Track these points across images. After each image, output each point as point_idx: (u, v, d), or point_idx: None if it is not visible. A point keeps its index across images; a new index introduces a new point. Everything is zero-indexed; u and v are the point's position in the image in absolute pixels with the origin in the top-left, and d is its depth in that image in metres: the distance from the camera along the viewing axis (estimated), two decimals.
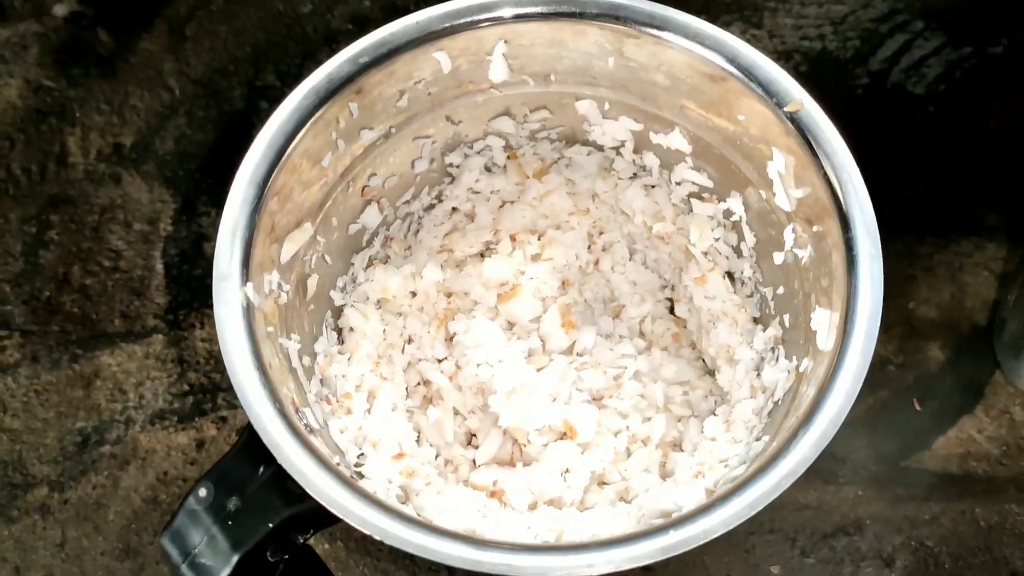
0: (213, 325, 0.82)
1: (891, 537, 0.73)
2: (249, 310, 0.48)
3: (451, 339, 0.64)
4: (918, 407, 0.77)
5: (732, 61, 0.53)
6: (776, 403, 0.54)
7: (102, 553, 0.75)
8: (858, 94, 0.90)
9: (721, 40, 0.53)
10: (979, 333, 0.80)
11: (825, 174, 0.50)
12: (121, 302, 0.83)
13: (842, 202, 0.49)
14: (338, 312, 0.61)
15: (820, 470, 0.76)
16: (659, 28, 0.54)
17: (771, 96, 0.52)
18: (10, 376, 0.80)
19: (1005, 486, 0.75)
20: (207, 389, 0.80)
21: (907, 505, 0.74)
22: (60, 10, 0.95)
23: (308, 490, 0.43)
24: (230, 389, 0.80)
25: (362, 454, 0.55)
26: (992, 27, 0.91)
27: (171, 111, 0.91)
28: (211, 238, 0.86)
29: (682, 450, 0.61)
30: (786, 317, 0.57)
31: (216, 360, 0.81)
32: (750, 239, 0.61)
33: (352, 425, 0.56)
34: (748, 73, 0.52)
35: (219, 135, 0.90)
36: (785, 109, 0.51)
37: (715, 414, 0.60)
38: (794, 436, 0.44)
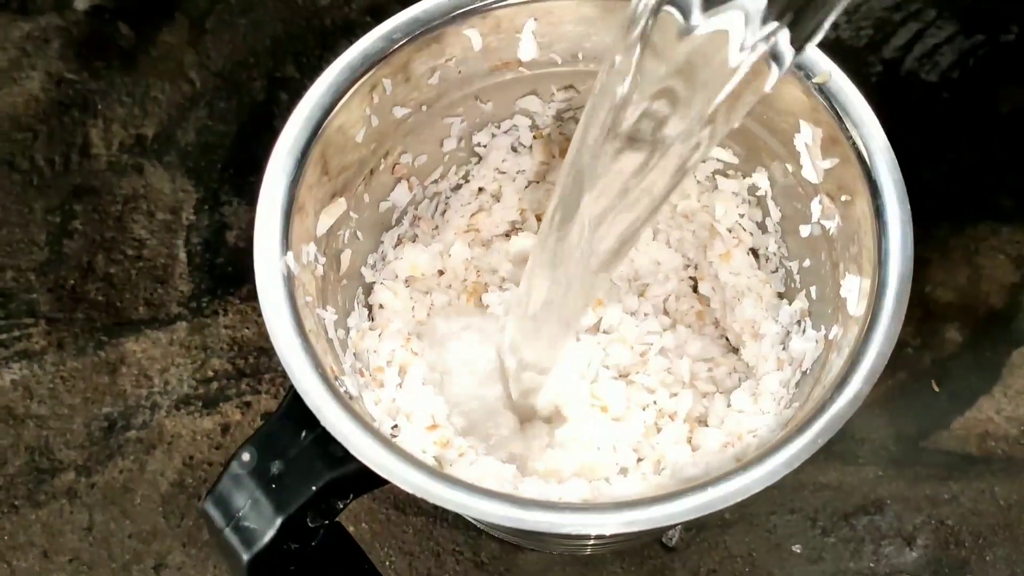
0: (236, 312, 0.84)
1: (911, 516, 0.74)
2: (289, 279, 0.48)
3: None
4: (936, 388, 0.78)
5: None
6: (804, 373, 0.55)
7: (129, 536, 0.75)
8: (872, 82, 0.91)
9: None
10: (995, 315, 0.81)
11: (854, 143, 0.51)
12: (145, 290, 0.84)
13: (871, 169, 0.50)
14: (368, 288, 0.62)
15: (840, 451, 0.76)
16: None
17: (799, 68, 0.53)
18: (36, 363, 0.81)
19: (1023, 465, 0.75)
20: (231, 375, 0.81)
21: (927, 485, 0.75)
22: (81, 4, 0.96)
23: (351, 451, 0.44)
24: (254, 375, 0.82)
25: (396, 425, 0.55)
26: (1004, 15, 0.92)
27: (192, 103, 0.92)
28: (233, 227, 0.87)
29: (708, 425, 0.62)
30: (812, 289, 0.58)
31: (239, 346, 0.82)
32: (775, 214, 0.61)
33: (386, 398, 0.56)
34: None
35: (240, 126, 0.91)
36: (813, 81, 0.52)
37: (741, 388, 0.61)
38: (832, 395, 0.44)
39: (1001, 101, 0.89)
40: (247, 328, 0.83)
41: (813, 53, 0.53)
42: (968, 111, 0.89)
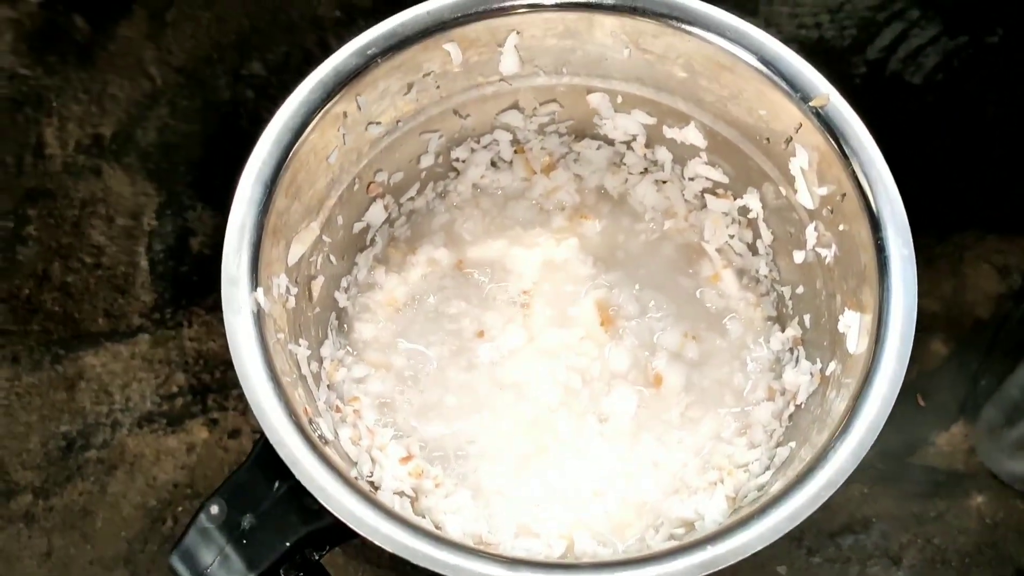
0: (201, 324, 0.81)
1: (898, 535, 0.73)
2: (260, 317, 0.46)
3: None
4: (921, 403, 0.77)
5: (755, 53, 0.51)
6: (799, 407, 0.53)
7: (90, 562, 0.72)
8: (856, 84, 0.89)
9: (743, 32, 0.51)
10: (981, 326, 0.79)
11: (853, 172, 0.49)
12: (104, 300, 0.80)
13: (871, 201, 0.48)
14: (341, 313, 0.59)
15: None
16: (678, 20, 0.52)
17: (796, 90, 0.50)
18: None
19: None
20: (196, 390, 0.77)
21: (913, 502, 0.74)
22: None
23: (329, 508, 0.42)
24: (220, 390, 0.78)
25: (374, 462, 0.53)
26: (988, 16, 0.90)
27: (153, 101, 0.88)
28: (197, 233, 0.83)
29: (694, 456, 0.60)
30: (806, 317, 0.56)
31: (205, 360, 0.79)
32: (767, 236, 0.59)
33: (364, 432, 0.54)
34: (771, 66, 0.51)
35: (204, 126, 0.87)
36: (810, 104, 0.50)
37: (729, 417, 0.59)
38: (834, 443, 0.42)
39: (986, 105, 0.87)
40: (213, 340, 0.80)
41: (811, 74, 0.50)
42: (953, 115, 0.87)
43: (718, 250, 0.62)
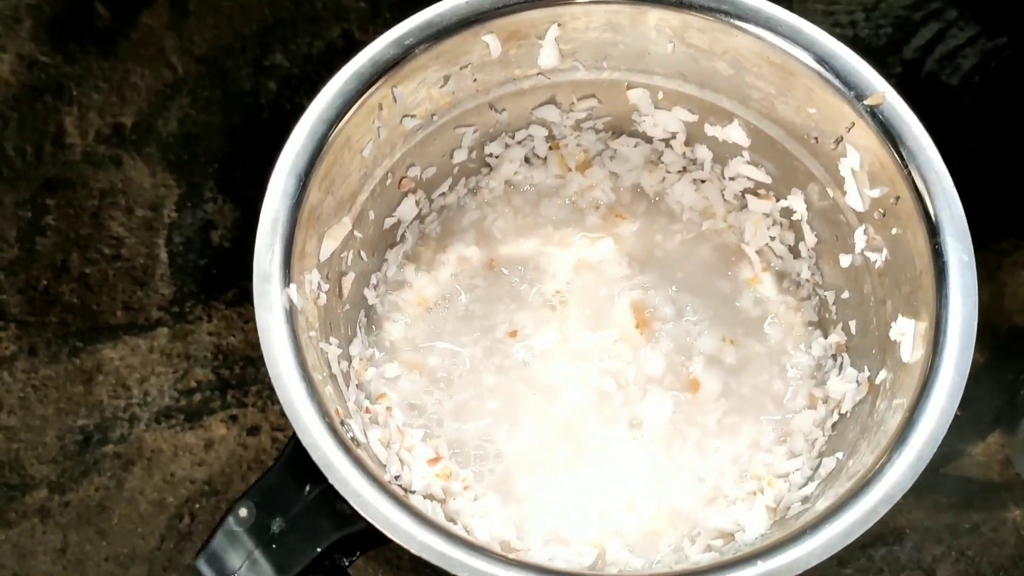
0: (221, 318, 0.79)
1: (931, 547, 0.71)
2: (292, 314, 0.44)
3: None
4: (957, 412, 0.75)
5: (808, 50, 0.49)
6: (843, 415, 0.51)
7: (105, 559, 0.71)
8: (891, 84, 0.87)
9: (796, 28, 0.49)
10: (1018, 335, 0.78)
11: (909, 174, 0.47)
12: (123, 292, 0.79)
13: (928, 205, 0.46)
14: (370, 311, 0.58)
15: None
16: (727, 14, 0.50)
17: (850, 88, 0.49)
18: (6, 370, 0.75)
19: None
20: (215, 386, 0.76)
21: (947, 514, 0.72)
22: None
23: (364, 514, 0.40)
24: (239, 386, 0.77)
25: (403, 464, 0.51)
26: None
27: (174, 91, 0.86)
28: (218, 226, 0.81)
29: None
30: (852, 323, 0.54)
31: (224, 355, 0.77)
32: (810, 239, 0.57)
33: (394, 432, 0.52)
34: (825, 63, 0.49)
35: (225, 117, 0.85)
36: (865, 102, 0.48)
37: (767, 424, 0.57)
38: (888, 458, 0.41)
39: None
40: (233, 335, 0.78)
41: (867, 72, 0.49)
42: (991, 117, 0.85)
43: (758, 252, 0.60)
